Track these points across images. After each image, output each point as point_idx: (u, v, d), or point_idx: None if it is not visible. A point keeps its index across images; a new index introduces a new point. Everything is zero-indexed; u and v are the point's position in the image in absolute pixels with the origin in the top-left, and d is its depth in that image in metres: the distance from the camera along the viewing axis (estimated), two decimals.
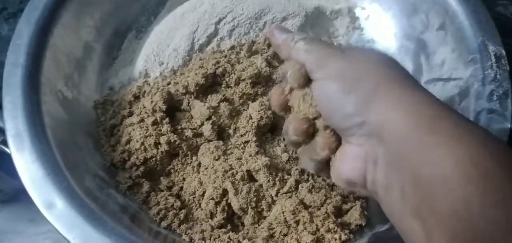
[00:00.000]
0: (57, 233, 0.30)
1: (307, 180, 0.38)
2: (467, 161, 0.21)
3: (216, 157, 0.39)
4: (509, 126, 0.37)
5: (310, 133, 0.30)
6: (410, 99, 0.24)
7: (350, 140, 0.27)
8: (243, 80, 0.41)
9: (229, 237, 0.35)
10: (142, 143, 0.38)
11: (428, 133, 0.23)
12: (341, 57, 0.28)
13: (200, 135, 0.40)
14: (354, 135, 0.26)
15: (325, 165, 0.30)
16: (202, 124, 0.40)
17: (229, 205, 0.37)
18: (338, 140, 0.29)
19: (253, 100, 0.42)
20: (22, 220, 0.46)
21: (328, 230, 0.34)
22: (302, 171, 0.38)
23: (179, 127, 0.40)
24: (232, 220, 0.37)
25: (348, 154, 0.28)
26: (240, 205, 0.36)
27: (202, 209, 0.37)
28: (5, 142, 0.40)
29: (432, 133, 0.23)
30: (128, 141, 0.39)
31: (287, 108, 0.33)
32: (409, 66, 0.47)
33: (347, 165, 0.28)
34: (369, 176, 0.26)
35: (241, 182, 0.37)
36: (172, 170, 0.40)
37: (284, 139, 0.42)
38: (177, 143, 0.39)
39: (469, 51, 0.41)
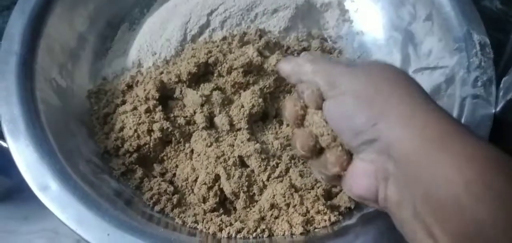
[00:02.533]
0: (51, 232, 0.30)
1: (297, 165, 0.39)
2: (478, 181, 0.21)
3: (209, 144, 0.39)
4: (493, 111, 0.38)
5: (317, 149, 0.30)
6: (421, 116, 0.24)
7: (361, 157, 0.27)
8: (235, 69, 0.42)
9: (221, 220, 0.36)
10: (136, 130, 0.39)
11: (439, 151, 0.23)
12: (350, 75, 0.28)
13: (193, 123, 0.41)
14: (364, 151, 0.26)
15: (335, 179, 0.30)
16: (195, 112, 0.41)
17: (221, 189, 0.38)
18: (349, 157, 0.29)
19: (245, 89, 0.43)
20: (16, 218, 0.46)
21: (318, 212, 0.35)
22: (292, 157, 0.39)
23: (172, 115, 0.41)
24: (224, 205, 0.38)
25: (359, 171, 0.27)
26: (232, 189, 0.37)
27: (194, 194, 0.38)
28: None
29: (443, 151, 0.23)
30: (122, 129, 0.40)
31: (301, 122, 0.32)
32: (397, 56, 0.48)
33: (359, 182, 0.27)
34: (381, 193, 0.26)
35: (233, 167, 0.38)
36: (165, 157, 0.40)
37: (276, 128, 0.43)
38: (170, 130, 0.40)
39: (455, 40, 0.42)
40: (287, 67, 0.33)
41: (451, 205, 0.22)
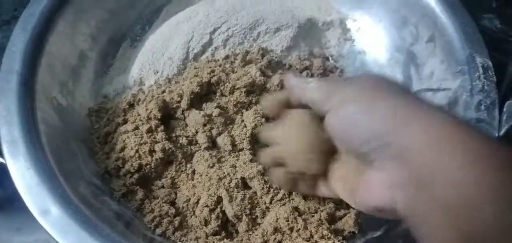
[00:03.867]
0: None
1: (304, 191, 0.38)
2: (490, 182, 0.21)
3: (211, 165, 0.39)
4: (497, 135, 0.38)
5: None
6: (430, 118, 0.24)
7: (373, 166, 0.26)
8: (238, 89, 0.42)
9: None
10: (137, 151, 0.39)
11: (450, 153, 0.23)
12: (351, 83, 0.28)
13: (195, 143, 0.41)
14: (376, 159, 0.26)
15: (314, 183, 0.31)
16: (197, 132, 0.41)
17: (223, 212, 0.37)
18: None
19: (247, 109, 0.42)
20: (8, 229, 0.45)
21: (322, 237, 0.35)
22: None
23: (174, 135, 0.41)
24: (226, 227, 0.38)
25: (373, 181, 0.27)
26: (235, 212, 0.36)
27: (196, 216, 0.37)
28: None
29: (454, 153, 0.23)
30: (123, 149, 0.39)
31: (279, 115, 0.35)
32: (399, 77, 0.48)
33: (374, 193, 0.27)
34: (400, 201, 0.25)
35: (236, 190, 0.37)
36: (166, 178, 0.40)
37: None
38: (171, 150, 0.39)
39: (458, 63, 0.43)
40: (293, 80, 0.34)
41: (464, 207, 0.22)
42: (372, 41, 0.51)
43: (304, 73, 0.48)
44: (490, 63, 0.42)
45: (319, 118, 0.31)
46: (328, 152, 0.32)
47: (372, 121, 0.25)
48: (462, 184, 0.22)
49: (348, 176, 0.30)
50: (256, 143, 0.42)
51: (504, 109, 0.39)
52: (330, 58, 0.51)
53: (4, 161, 0.43)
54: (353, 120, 0.27)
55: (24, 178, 0.32)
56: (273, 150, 0.35)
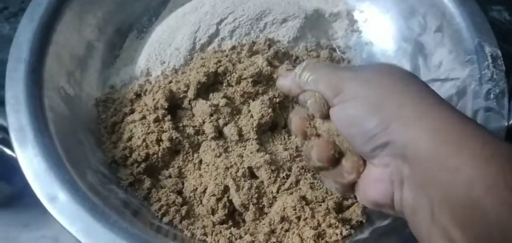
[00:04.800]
0: (51, 239, 0.30)
1: (307, 177, 0.38)
2: (500, 183, 0.21)
3: (218, 154, 0.39)
4: (506, 124, 0.37)
5: (334, 159, 0.29)
6: (435, 116, 0.24)
7: (374, 162, 0.27)
8: (245, 79, 0.42)
9: (230, 233, 0.35)
10: (144, 140, 0.39)
11: (457, 152, 0.22)
12: (356, 80, 0.27)
13: (202, 132, 0.41)
14: (377, 156, 0.26)
15: (350, 187, 0.30)
16: (204, 122, 0.41)
17: (230, 201, 0.37)
18: (364, 162, 0.28)
19: (254, 99, 0.42)
20: (16, 225, 0.45)
21: (330, 225, 0.34)
22: (302, 168, 0.39)
23: (181, 124, 0.41)
24: (233, 217, 0.38)
25: (373, 176, 0.27)
26: (242, 201, 0.36)
27: (203, 206, 0.37)
28: (2, 141, 0.41)
29: (461, 152, 0.22)
30: (130, 138, 0.39)
31: (309, 134, 0.31)
32: (407, 67, 0.47)
33: (373, 187, 0.27)
34: (397, 197, 0.25)
35: (243, 179, 0.37)
36: (173, 167, 0.40)
37: (285, 138, 0.42)
38: (178, 140, 0.39)
39: (466, 52, 0.42)
40: (286, 81, 0.33)
41: (472, 208, 0.21)
42: (379, 32, 0.51)
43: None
44: (499, 52, 0.41)
45: None
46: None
47: (374, 120, 0.25)
48: (469, 184, 0.21)
49: None
50: (262, 133, 0.42)
51: None
52: (337, 49, 0.50)
53: (14, 155, 0.43)
54: (357, 118, 0.26)
55: (32, 165, 0.32)
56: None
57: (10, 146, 0.40)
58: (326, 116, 0.29)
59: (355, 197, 0.30)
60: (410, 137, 0.24)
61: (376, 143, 0.25)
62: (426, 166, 0.23)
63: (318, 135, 0.30)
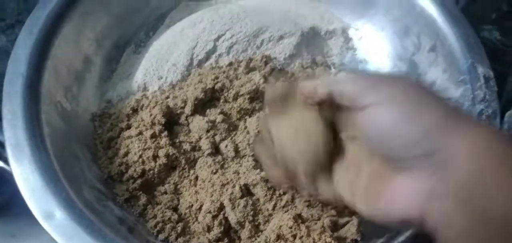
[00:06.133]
0: None
1: (303, 195, 0.39)
2: None
3: (214, 171, 0.39)
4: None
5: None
6: (480, 133, 0.23)
7: (408, 173, 0.25)
8: (241, 95, 0.42)
9: None
10: (140, 156, 0.39)
11: (501, 171, 0.22)
12: (393, 83, 0.26)
13: (198, 149, 0.41)
14: (416, 166, 0.24)
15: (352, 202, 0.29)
16: (200, 138, 0.41)
17: (226, 218, 0.37)
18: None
19: (251, 115, 0.43)
20: (3, 236, 0.45)
21: None
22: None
23: (177, 140, 0.41)
24: (229, 234, 0.38)
25: (403, 189, 0.25)
26: (237, 219, 0.36)
27: (199, 223, 0.37)
28: None
29: (505, 170, 0.22)
30: (126, 154, 0.39)
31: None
32: None
33: (403, 201, 0.25)
34: (434, 212, 0.23)
35: (239, 196, 0.37)
36: (169, 183, 0.40)
37: None
38: (175, 156, 0.39)
39: (460, 73, 0.43)
40: (310, 83, 0.31)
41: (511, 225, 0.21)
42: (374, 50, 0.51)
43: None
44: (491, 74, 0.42)
45: (326, 116, 0.30)
46: (332, 153, 0.31)
47: (418, 127, 0.24)
48: (509, 198, 0.21)
49: (358, 182, 0.29)
50: None
51: (505, 119, 0.40)
52: (332, 67, 0.51)
53: (3, 166, 0.43)
54: (396, 123, 0.25)
55: (28, 182, 0.32)
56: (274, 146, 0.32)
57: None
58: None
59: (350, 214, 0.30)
60: (458, 150, 0.23)
61: (417, 151, 0.24)
62: (470, 180, 0.22)
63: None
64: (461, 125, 0.23)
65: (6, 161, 0.42)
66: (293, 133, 0.31)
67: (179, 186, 0.40)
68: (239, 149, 0.41)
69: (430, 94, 0.26)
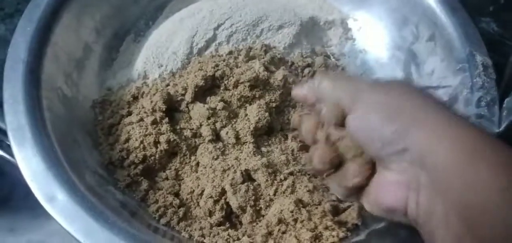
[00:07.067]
0: None
1: (304, 180, 0.39)
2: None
3: (215, 157, 0.39)
4: (497, 130, 0.39)
5: (336, 163, 0.30)
6: (452, 126, 0.25)
7: (391, 167, 0.27)
8: (242, 83, 0.42)
9: (228, 234, 0.35)
10: (141, 142, 0.39)
11: (473, 159, 0.23)
12: (374, 90, 0.29)
13: (199, 135, 0.41)
14: (394, 162, 0.26)
15: (354, 191, 0.30)
16: (201, 125, 0.41)
17: (227, 203, 0.37)
18: (371, 168, 0.29)
19: (251, 103, 0.43)
20: (1, 229, 0.45)
21: (326, 228, 0.35)
22: (299, 172, 0.39)
23: (178, 127, 0.41)
24: (230, 219, 0.38)
25: (389, 181, 0.27)
26: (239, 203, 0.37)
27: (200, 208, 0.38)
28: None
29: (477, 159, 0.23)
30: (127, 140, 0.39)
31: (317, 139, 0.32)
32: (400, 74, 0.48)
33: (389, 193, 0.27)
34: (411, 203, 0.26)
35: (240, 181, 0.38)
36: (170, 169, 0.40)
37: (281, 141, 0.43)
38: (176, 142, 0.39)
39: (458, 61, 0.43)
40: (302, 90, 0.33)
41: (485, 212, 0.22)
42: (373, 40, 0.52)
43: (306, 70, 0.48)
44: (490, 61, 0.43)
45: None
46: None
47: (394, 126, 0.26)
48: (485, 190, 0.22)
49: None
50: (259, 136, 0.42)
51: (504, 105, 0.40)
52: (332, 56, 0.51)
53: (3, 154, 0.43)
54: (376, 124, 0.27)
55: (31, 165, 0.32)
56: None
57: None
58: (341, 124, 0.30)
59: (358, 203, 0.31)
60: (427, 145, 0.25)
61: (393, 149, 0.26)
62: (443, 172, 0.24)
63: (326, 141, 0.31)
64: (435, 121, 0.25)
65: (5, 149, 0.43)
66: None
67: (180, 172, 0.40)
68: (240, 136, 0.41)
69: (409, 95, 0.27)
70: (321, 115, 0.31)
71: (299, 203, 0.36)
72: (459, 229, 0.23)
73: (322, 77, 0.32)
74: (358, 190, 0.30)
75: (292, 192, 0.38)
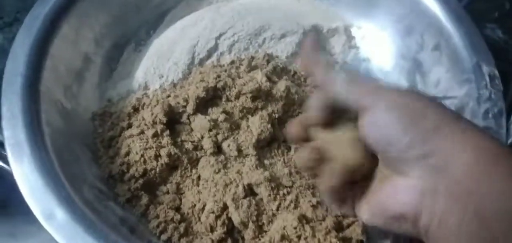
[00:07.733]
0: None
1: (307, 195, 0.38)
2: None
3: (216, 170, 0.39)
4: (505, 143, 0.38)
5: (317, 164, 0.30)
6: (473, 135, 0.25)
7: (405, 172, 0.26)
8: (244, 94, 0.42)
9: None
10: (142, 155, 0.38)
11: (492, 169, 0.23)
12: (393, 90, 0.28)
13: (200, 148, 0.40)
14: (412, 167, 0.26)
15: (336, 196, 0.30)
16: (202, 137, 0.40)
17: (229, 218, 0.37)
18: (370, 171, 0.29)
19: (253, 114, 0.42)
20: (1, 236, 0.44)
21: None
22: (302, 186, 0.38)
23: (179, 139, 0.40)
24: (232, 234, 0.37)
25: (401, 187, 0.27)
26: (241, 219, 0.36)
27: (202, 223, 0.37)
28: None
29: (497, 166, 0.23)
30: (127, 153, 0.39)
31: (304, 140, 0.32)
32: (404, 84, 0.48)
33: (400, 198, 0.27)
34: (426, 209, 0.25)
35: (242, 196, 0.37)
36: (171, 183, 0.39)
37: (284, 153, 0.42)
38: (177, 155, 0.39)
39: (464, 71, 0.43)
40: (319, 70, 0.31)
41: (503, 220, 0.22)
42: (377, 48, 0.51)
43: (309, 79, 0.48)
44: (496, 72, 0.42)
45: None
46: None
47: (416, 129, 0.25)
48: (503, 194, 0.22)
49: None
50: (261, 149, 0.42)
51: (511, 118, 0.39)
52: (335, 65, 0.51)
53: (2, 165, 0.42)
54: (395, 127, 0.26)
55: (29, 181, 0.32)
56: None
57: None
58: (327, 123, 0.30)
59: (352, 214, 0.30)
60: (451, 152, 0.24)
61: (414, 153, 0.25)
62: (463, 178, 0.24)
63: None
64: (457, 128, 0.25)
65: (4, 159, 0.42)
66: (339, 139, 0.30)
67: (181, 186, 0.39)
68: (242, 148, 0.41)
69: (429, 102, 0.27)
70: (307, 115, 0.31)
71: (303, 219, 0.36)
72: (477, 235, 0.23)
73: (340, 70, 0.31)
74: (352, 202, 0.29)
75: (295, 207, 0.37)
